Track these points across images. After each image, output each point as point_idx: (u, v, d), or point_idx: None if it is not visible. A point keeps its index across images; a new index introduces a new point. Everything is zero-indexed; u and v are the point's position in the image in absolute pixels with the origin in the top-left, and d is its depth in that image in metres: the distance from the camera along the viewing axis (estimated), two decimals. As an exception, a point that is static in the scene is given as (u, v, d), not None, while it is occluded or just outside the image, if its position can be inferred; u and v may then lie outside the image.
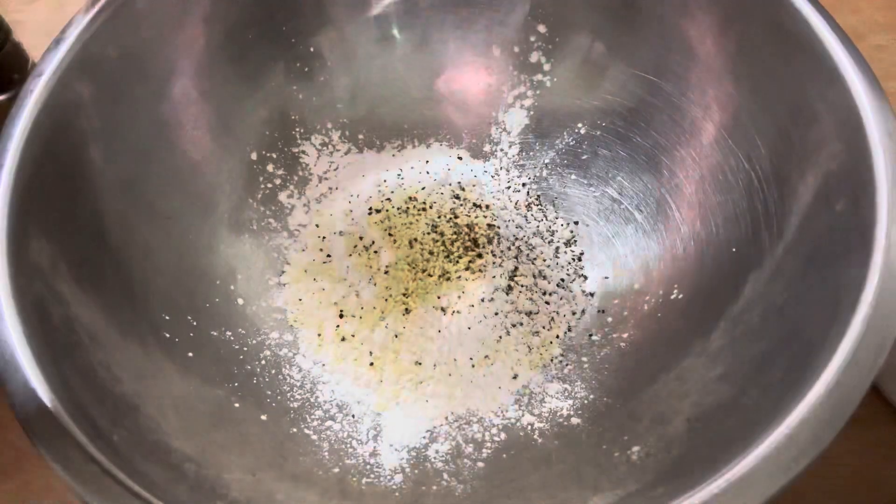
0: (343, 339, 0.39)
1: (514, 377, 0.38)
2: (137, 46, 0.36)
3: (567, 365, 0.39)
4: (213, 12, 0.39)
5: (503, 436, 0.36)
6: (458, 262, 0.41)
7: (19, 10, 0.53)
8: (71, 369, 0.28)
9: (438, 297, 0.39)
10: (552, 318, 0.40)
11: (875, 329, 0.26)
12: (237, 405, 0.35)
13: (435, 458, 0.35)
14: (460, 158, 0.46)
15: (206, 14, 0.39)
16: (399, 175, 0.45)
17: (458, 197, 0.44)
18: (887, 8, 0.50)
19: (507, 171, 0.45)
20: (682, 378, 0.33)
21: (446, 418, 0.37)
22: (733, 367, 0.31)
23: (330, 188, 0.45)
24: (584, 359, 0.39)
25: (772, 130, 0.34)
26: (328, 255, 0.42)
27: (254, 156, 0.43)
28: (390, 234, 0.42)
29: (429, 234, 0.42)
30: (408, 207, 0.43)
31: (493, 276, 0.40)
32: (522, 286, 0.40)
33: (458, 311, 0.39)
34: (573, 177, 0.44)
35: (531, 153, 0.45)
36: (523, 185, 0.45)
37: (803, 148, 0.32)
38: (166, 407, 0.31)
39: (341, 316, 0.40)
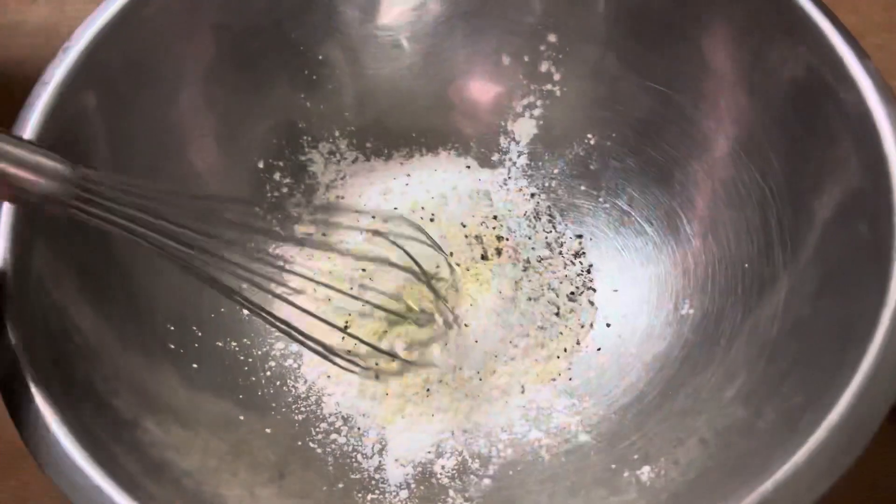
0: (349, 351, 0.39)
1: (522, 391, 0.38)
2: (144, 54, 0.36)
3: (575, 379, 0.38)
4: (220, 20, 0.39)
5: (510, 451, 0.36)
6: (465, 273, 0.40)
7: (19, 11, 0.53)
8: (71, 381, 0.28)
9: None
10: (560, 332, 0.40)
11: (892, 355, 0.25)
12: (241, 417, 0.35)
13: (441, 473, 0.35)
14: (468, 168, 0.46)
15: (213, 22, 0.39)
16: (406, 184, 0.45)
17: (466, 207, 0.44)
18: (887, 7, 0.50)
19: (516, 180, 0.45)
20: (694, 397, 0.32)
21: (452, 433, 0.36)
22: (748, 387, 0.30)
23: (337, 196, 0.44)
24: (592, 373, 0.38)
25: (786, 146, 0.34)
26: (334, 265, 0.42)
27: (261, 164, 0.42)
28: (397, 245, 0.41)
29: (437, 244, 0.41)
30: (417, 217, 0.43)
31: (501, 289, 0.40)
32: (530, 298, 0.40)
33: (465, 324, 0.38)
34: (582, 187, 0.44)
35: (540, 163, 0.45)
36: (532, 195, 0.44)
37: (819, 165, 0.32)
38: (168, 420, 0.31)
39: (346, 327, 0.39)
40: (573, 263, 0.42)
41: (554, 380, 0.38)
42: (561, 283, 0.41)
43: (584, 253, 0.42)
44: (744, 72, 0.36)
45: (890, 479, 0.35)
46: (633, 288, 0.40)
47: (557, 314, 0.40)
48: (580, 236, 0.43)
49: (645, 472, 0.30)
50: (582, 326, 0.40)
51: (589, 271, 0.42)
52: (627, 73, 0.41)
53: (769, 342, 0.31)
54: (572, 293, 0.41)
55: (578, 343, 0.39)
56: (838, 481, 0.32)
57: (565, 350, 0.39)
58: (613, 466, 0.32)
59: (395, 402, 0.37)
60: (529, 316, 0.39)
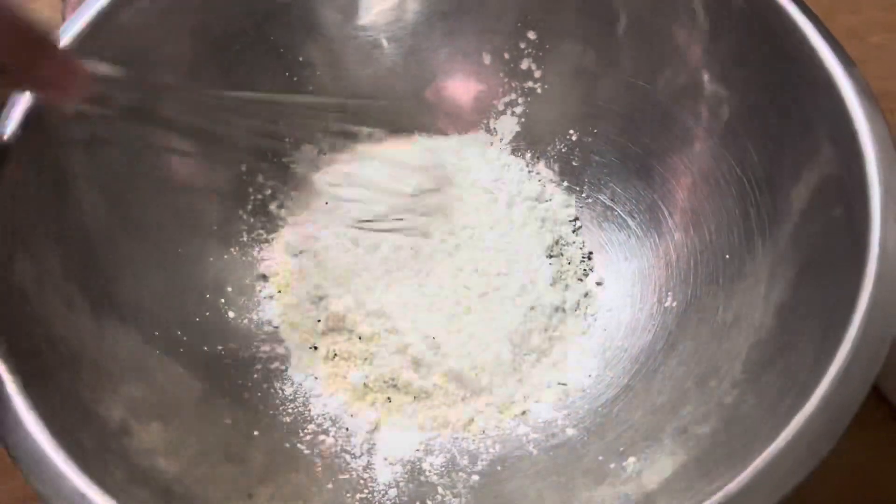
0: (335, 355, 0.39)
1: (510, 387, 0.38)
2: (122, 60, 0.35)
3: (561, 372, 0.38)
4: (200, 24, 0.39)
5: (498, 447, 0.36)
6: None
7: (19, 11, 0.53)
8: (55, 391, 0.28)
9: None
10: (545, 327, 0.40)
11: (870, 339, 0.25)
12: (228, 421, 0.34)
13: (429, 471, 0.35)
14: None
15: (192, 26, 0.38)
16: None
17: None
18: (887, 8, 0.50)
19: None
20: (679, 387, 0.33)
21: (441, 430, 0.36)
22: (731, 376, 0.30)
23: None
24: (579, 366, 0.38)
25: (763, 136, 0.34)
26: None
27: (243, 167, 0.42)
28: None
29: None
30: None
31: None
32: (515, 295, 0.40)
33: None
34: (565, 183, 0.44)
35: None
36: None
37: (795, 154, 0.32)
38: (155, 427, 0.31)
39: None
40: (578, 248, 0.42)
41: (541, 374, 0.38)
42: (569, 272, 0.41)
43: (576, 239, 0.42)
44: (721, 65, 0.36)
45: (891, 478, 0.35)
46: (618, 282, 0.40)
47: (563, 310, 0.40)
48: (576, 219, 0.43)
49: (631, 463, 0.31)
50: (584, 319, 0.40)
51: (590, 257, 0.42)
52: (607, 69, 0.41)
53: (751, 331, 0.31)
54: (579, 279, 0.41)
55: (584, 333, 0.39)
56: (839, 479, 0.33)
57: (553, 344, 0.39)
58: (600, 458, 0.32)
59: (383, 401, 0.37)
60: (514, 313, 0.39)
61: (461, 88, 0.45)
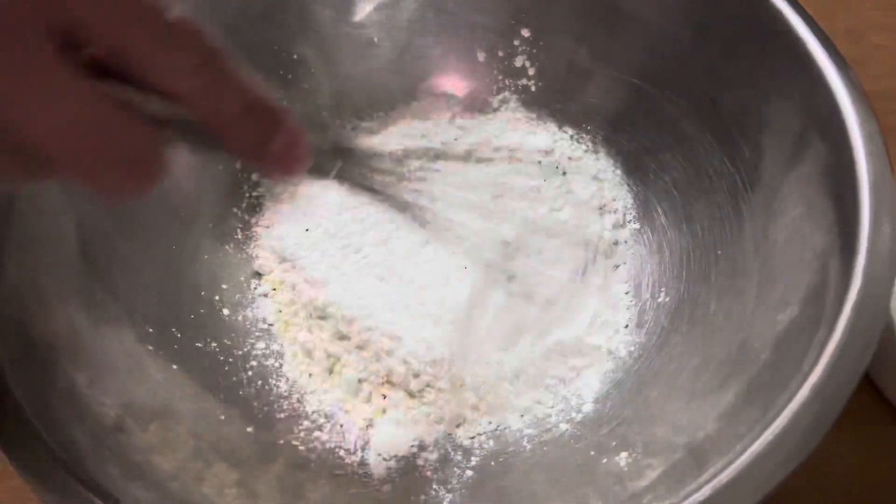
0: (330, 353, 0.39)
1: (504, 384, 0.38)
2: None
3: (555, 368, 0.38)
4: (192, 21, 0.39)
5: (491, 443, 0.36)
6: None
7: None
8: (50, 388, 0.28)
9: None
10: (540, 324, 0.40)
11: (859, 332, 0.26)
12: (222, 417, 0.35)
13: (424, 466, 0.35)
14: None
15: (185, 23, 0.38)
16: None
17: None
18: (887, 7, 0.50)
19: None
20: (671, 383, 0.33)
21: (435, 426, 0.37)
22: (723, 372, 0.31)
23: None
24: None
25: (755, 132, 0.34)
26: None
27: (238, 164, 0.42)
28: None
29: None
30: None
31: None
32: (511, 294, 0.40)
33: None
34: (560, 180, 0.44)
35: (517, 157, 0.45)
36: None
37: (786, 150, 0.32)
38: (150, 424, 0.31)
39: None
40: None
41: (536, 370, 0.38)
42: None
43: None
44: (713, 61, 0.37)
45: (890, 478, 0.35)
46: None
47: (557, 306, 0.40)
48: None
49: (623, 459, 0.31)
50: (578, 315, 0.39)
51: None
52: (600, 66, 0.42)
53: (742, 325, 0.32)
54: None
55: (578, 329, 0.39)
56: (839, 479, 0.33)
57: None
58: (592, 454, 0.32)
59: (378, 397, 0.38)
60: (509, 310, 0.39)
61: (455, 86, 0.45)
